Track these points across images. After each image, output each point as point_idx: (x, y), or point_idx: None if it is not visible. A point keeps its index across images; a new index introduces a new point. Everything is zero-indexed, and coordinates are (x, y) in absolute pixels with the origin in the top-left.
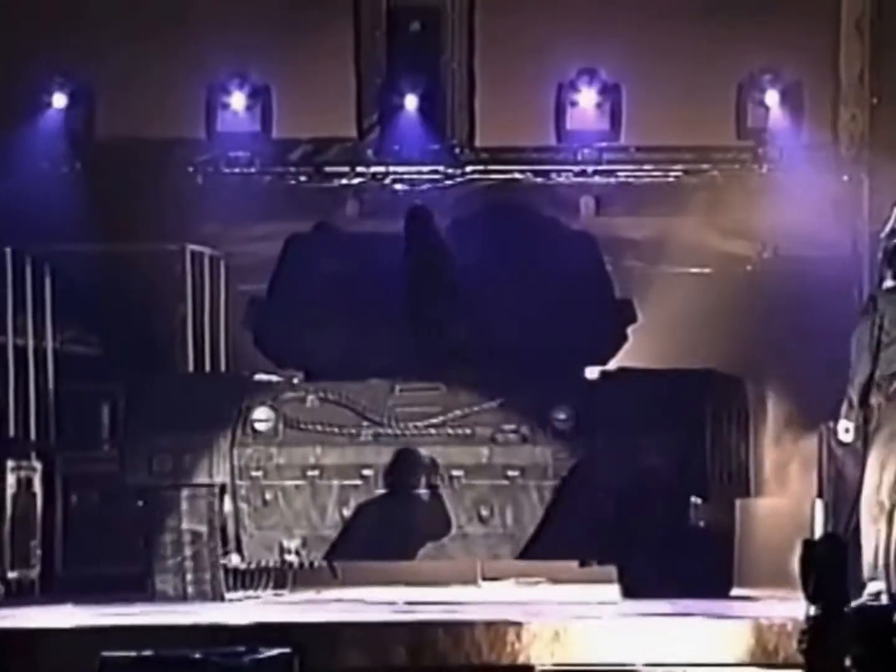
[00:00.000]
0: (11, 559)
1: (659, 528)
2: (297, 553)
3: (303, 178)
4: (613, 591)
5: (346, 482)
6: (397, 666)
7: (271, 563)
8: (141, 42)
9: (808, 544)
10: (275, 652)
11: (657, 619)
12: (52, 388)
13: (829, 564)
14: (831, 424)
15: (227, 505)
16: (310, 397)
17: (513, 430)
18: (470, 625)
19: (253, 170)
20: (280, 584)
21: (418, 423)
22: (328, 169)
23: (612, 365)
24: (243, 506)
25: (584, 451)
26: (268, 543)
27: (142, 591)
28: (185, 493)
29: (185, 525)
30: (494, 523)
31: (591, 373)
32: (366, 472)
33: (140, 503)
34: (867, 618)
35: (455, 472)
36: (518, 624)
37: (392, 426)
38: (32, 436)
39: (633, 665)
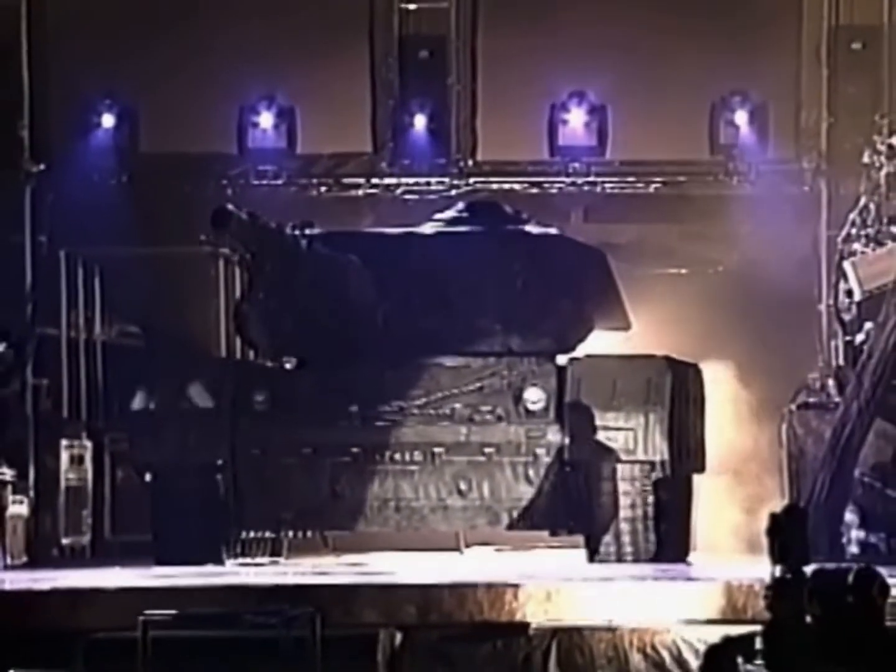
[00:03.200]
0: (65, 527)
1: (622, 499)
2: (292, 524)
3: (324, 189)
4: (580, 556)
5: (337, 459)
6: (407, 623)
7: (268, 534)
8: (180, 68)
9: (773, 514)
10: (299, 611)
11: (638, 582)
12: (100, 376)
13: (791, 531)
14: (793, 408)
15: (228, 480)
16: (303, 382)
17: (489, 411)
18: (472, 586)
19: (279, 182)
20: (276, 553)
21: (402, 405)
22: (346, 181)
23: (581, 352)
24: (243, 481)
25: (554, 429)
26: (265, 516)
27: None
28: (189, 469)
29: (192, 496)
30: (472, 496)
31: (562, 359)
32: (354, 449)
33: (148, 478)
34: (824, 578)
35: (436, 450)
36: (515, 586)
37: (379, 408)
38: (84, 418)
39: (615, 623)
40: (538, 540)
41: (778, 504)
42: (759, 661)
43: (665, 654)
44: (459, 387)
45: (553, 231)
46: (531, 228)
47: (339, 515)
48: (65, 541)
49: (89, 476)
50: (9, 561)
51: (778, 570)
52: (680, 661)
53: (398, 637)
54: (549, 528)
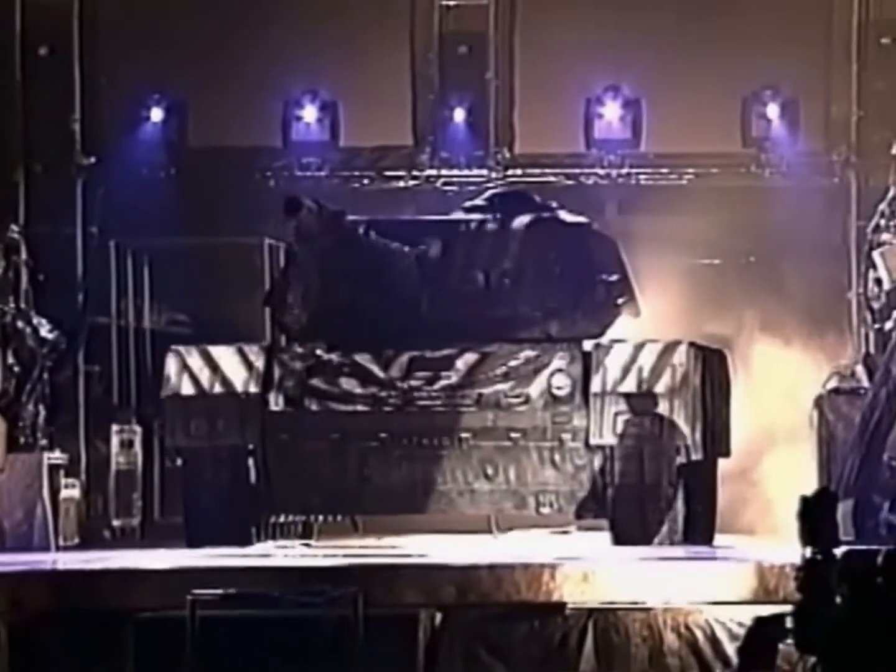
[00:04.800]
0: (116, 509)
1: (647, 483)
2: (321, 508)
3: (365, 181)
4: (605, 539)
5: (365, 444)
6: (447, 603)
7: (298, 518)
8: (227, 64)
9: (804, 498)
10: (341, 591)
11: (671, 563)
12: (149, 363)
13: (821, 514)
14: (824, 393)
15: (258, 465)
16: (332, 367)
17: (516, 396)
18: (510, 567)
19: (322, 174)
20: (306, 536)
21: (430, 390)
22: (387, 173)
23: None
24: (272, 466)
25: (580, 414)
26: (295, 500)
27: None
28: (219, 453)
29: (222, 480)
30: (499, 481)
31: (588, 345)
32: (382, 434)
33: (179, 461)
34: (854, 560)
35: (463, 435)
36: (552, 566)
37: (406, 393)
38: (133, 403)
39: (650, 603)
40: (564, 524)
41: (808, 488)
42: (789, 641)
43: (698, 633)
44: (486, 372)
45: (583, 219)
46: (565, 216)
47: (367, 499)
48: (115, 523)
49: (139, 460)
50: (62, 542)
51: (808, 552)
52: (713, 640)
53: (438, 617)
54: (574, 512)
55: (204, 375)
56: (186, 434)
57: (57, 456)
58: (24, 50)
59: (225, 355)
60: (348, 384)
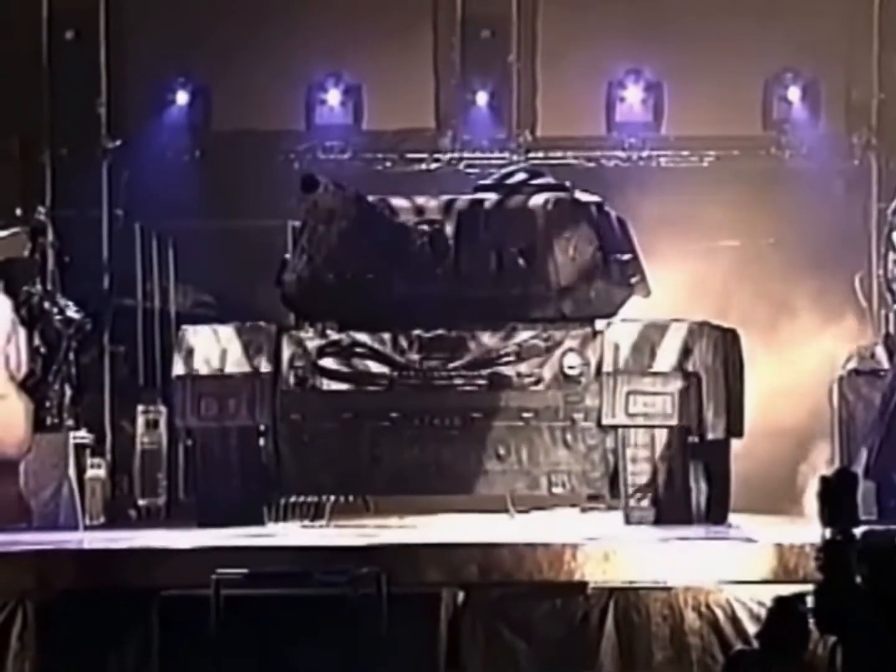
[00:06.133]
0: (141, 489)
1: (659, 464)
2: (333, 489)
3: (388, 164)
4: (617, 519)
5: (377, 424)
6: (469, 582)
7: (309, 498)
8: (251, 48)
9: (824, 478)
10: (365, 570)
11: (692, 543)
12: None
13: (841, 494)
14: (844, 374)
15: (269, 445)
16: (343, 347)
17: (528, 376)
18: (532, 546)
19: (346, 157)
20: (318, 517)
21: (441, 370)
22: (410, 156)
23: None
24: (283, 446)
25: (593, 394)
26: (306, 480)
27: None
28: (229, 433)
29: (233, 460)
30: (511, 461)
31: (600, 324)
32: (394, 414)
33: (189, 442)
34: (874, 541)
35: (475, 415)
36: (574, 546)
37: (418, 372)
38: (158, 384)
39: (671, 582)
40: (575, 503)
41: (828, 468)
42: (810, 620)
43: (719, 612)
44: (498, 352)
45: (597, 198)
46: (580, 195)
47: (378, 480)
48: (141, 502)
49: (164, 440)
50: (88, 521)
51: (828, 533)
52: (733, 619)
53: (460, 596)
54: (586, 492)
55: (215, 355)
56: (197, 414)
57: (83, 436)
58: (50, 34)
59: (236, 335)
60: (360, 364)
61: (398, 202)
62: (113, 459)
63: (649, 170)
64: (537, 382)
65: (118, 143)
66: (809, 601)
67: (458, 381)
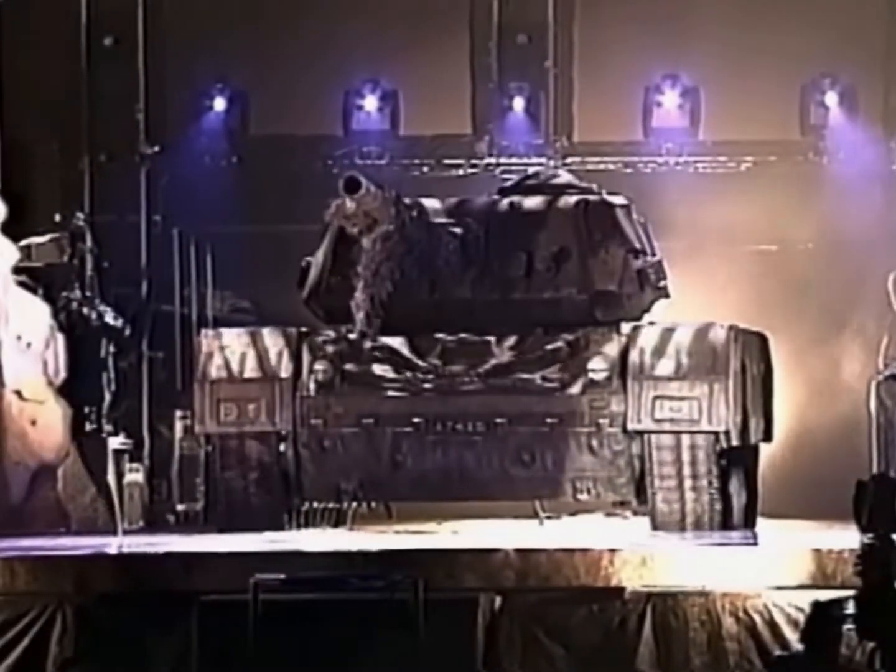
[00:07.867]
0: (179, 494)
1: (686, 469)
2: (355, 495)
3: (425, 170)
4: (644, 524)
5: (399, 429)
6: (506, 587)
7: (330, 505)
8: (288, 54)
9: (861, 483)
10: (402, 575)
11: (729, 548)
12: None
13: (879, 500)
14: (881, 379)
15: (290, 451)
16: (365, 351)
17: (552, 381)
18: (569, 551)
19: (382, 162)
20: (339, 523)
21: (465, 375)
22: (447, 161)
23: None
24: (304, 451)
25: (618, 399)
26: (327, 486)
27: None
28: (249, 438)
29: (253, 466)
30: (535, 467)
31: (626, 328)
32: (416, 419)
33: (209, 448)
34: None
35: (499, 420)
36: (611, 551)
37: (441, 377)
38: None
39: (708, 587)
40: (601, 510)
41: (865, 474)
42: (850, 626)
43: (757, 618)
44: (522, 357)
45: (624, 200)
46: (609, 198)
47: (400, 486)
48: (179, 507)
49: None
50: (126, 526)
51: (866, 538)
52: (771, 624)
53: (497, 601)
54: (612, 498)
55: (234, 359)
56: (216, 420)
57: (121, 441)
58: (89, 41)
59: (256, 339)
60: (382, 369)
61: (430, 203)
62: (151, 464)
63: (686, 175)
64: (562, 387)
65: (156, 148)
66: (847, 606)
67: (481, 386)
